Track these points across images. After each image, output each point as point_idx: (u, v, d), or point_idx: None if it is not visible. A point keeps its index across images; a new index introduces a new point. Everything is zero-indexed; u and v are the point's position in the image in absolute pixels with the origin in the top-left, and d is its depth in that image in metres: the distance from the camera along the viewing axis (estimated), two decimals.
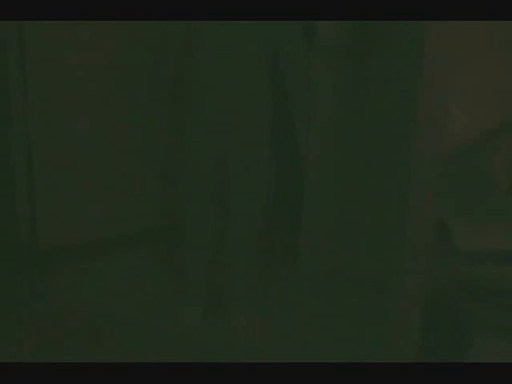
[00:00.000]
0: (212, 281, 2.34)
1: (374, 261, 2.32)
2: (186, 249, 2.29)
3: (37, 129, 2.37)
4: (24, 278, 2.42)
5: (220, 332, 2.22)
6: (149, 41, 2.45)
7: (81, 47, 2.37)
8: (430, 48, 1.42)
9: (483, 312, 1.58)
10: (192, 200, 2.23)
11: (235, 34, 2.04)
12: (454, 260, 1.56)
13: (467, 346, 1.61)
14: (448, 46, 1.42)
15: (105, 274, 2.45)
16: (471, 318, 1.60)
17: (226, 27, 2.03)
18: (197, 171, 2.19)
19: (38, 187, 2.42)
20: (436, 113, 1.45)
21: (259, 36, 2.06)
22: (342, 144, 2.41)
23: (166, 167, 2.61)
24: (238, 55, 2.06)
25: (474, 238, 1.59)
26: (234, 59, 2.07)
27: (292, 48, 2.13)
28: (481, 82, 1.62)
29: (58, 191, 2.47)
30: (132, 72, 2.47)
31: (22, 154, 2.38)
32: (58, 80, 2.37)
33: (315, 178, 2.42)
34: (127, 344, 2.12)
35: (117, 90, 2.47)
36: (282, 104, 2.19)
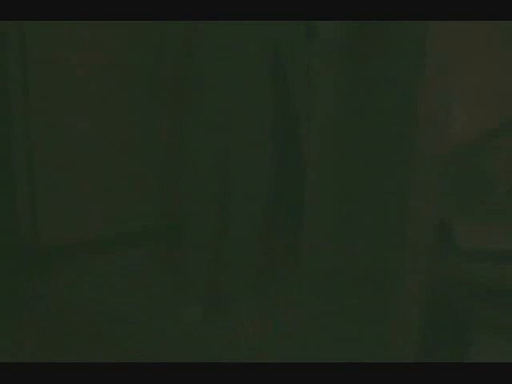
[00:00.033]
0: (212, 280, 2.34)
1: (374, 261, 2.32)
2: (186, 248, 2.29)
3: (37, 129, 2.38)
4: (25, 277, 2.42)
5: (220, 332, 2.22)
6: (149, 41, 2.45)
7: (81, 47, 2.37)
8: (430, 48, 1.42)
9: (483, 311, 1.59)
10: (192, 200, 2.23)
11: (235, 34, 2.04)
12: (454, 259, 1.56)
13: (467, 345, 1.61)
14: (448, 46, 1.42)
15: (105, 273, 2.46)
16: (471, 318, 1.60)
17: (226, 27, 2.03)
18: (197, 171, 2.19)
19: (39, 187, 2.43)
20: (436, 113, 1.45)
21: (259, 36, 2.06)
22: (342, 144, 2.41)
23: (165, 167, 2.61)
24: (238, 55, 2.06)
25: (475, 237, 1.59)
26: (234, 59, 2.07)
27: (292, 48, 2.13)
28: (481, 81, 1.62)
29: (59, 191, 2.47)
30: (132, 72, 2.47)
31: (23, 153, 2.38)
32: (58, 80, 2.37)
33: (315, 177, 2.42)
34: (127, 343, 2.12)
35: (117, 90, 2.47)
36: (282, 104, 2.19)
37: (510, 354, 1.58)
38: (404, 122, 1.97)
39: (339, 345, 2.12)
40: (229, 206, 2.22)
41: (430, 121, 1.45)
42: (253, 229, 2.21)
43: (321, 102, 2.37)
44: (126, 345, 2.12)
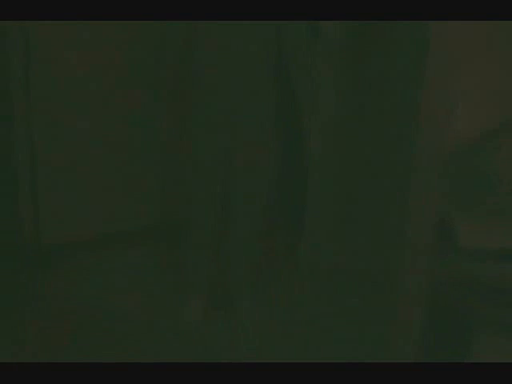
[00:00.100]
0: (212, 280, 2.34)
1: (374, 261, 2.32)
2: (187, 248, 2.29)
3: (39, 129, 2.38)
4: (27, 277, 2.42)
5: (220, 332, 2.22)
6: (149, 41, 2.45)
7: (81, 47, 2.37)
8: (430, 48, 1.42)
9: (484, 310, 1.59)
10: (192, 199, 2.23)
11: (236, 34, 2.04)
12: (455, 259, 1.56)
13: (468, 344, 1.62)
14: (448, 46, 1.42)
15: (105, 272, 2.46)
16: (472, 317, 1.60)
17: (227, 27, 2.03)
18: (197, 171, 2.19)
19: (40, 187, 2.43)
20: (436, 113, 1.45)
21: (260, 36, 2.06)
22: (344, 144, 2.41)
23: (166, 167, 2.61)
24: (238, 55, 2.06)
25: (475, 236, 1.59)
26: (235, 59, 2.07)
27: (294, 48, 2.13)
28: (481, 81, 1.62)
29: (60, 191, 2.47)
30: (132, 72, 2.47)
31: (25, 153, 2.38)
32: (59, 80, 2.37)
33: (316, 177, 2.42)
34: (127, 342, 2.12)
35: (117, 90, 2.47)
36: (283, 104, 2.19)
37: (510, 353, 1.58)
38: (404, 121, 1.97)
39: (339, 345, 2.12)
40: (229, 205, 2.22)
41: (431, 121, 1.45)
42: (253, 229, 2.22)
43: (323, 101, 2.37)
44: (125, 344, 2.12)
